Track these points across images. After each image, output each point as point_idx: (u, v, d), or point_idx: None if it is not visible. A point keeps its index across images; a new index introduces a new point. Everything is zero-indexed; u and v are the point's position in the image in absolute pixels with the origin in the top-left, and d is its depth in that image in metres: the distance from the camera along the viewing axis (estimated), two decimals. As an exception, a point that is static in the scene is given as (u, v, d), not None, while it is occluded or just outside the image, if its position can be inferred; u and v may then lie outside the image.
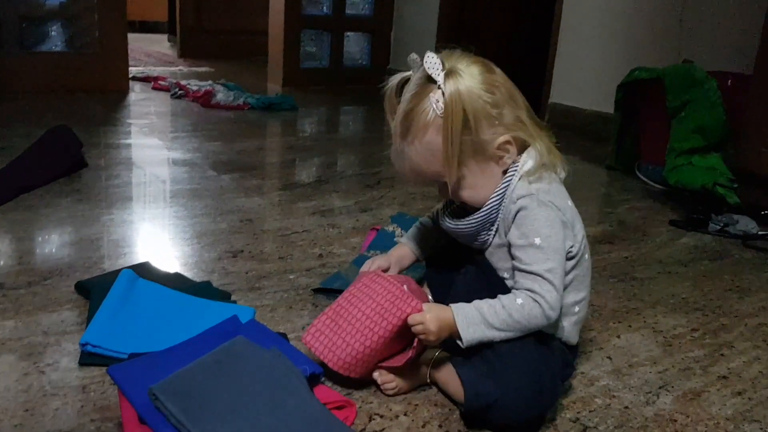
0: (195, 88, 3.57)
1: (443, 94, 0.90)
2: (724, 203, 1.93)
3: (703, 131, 2.06)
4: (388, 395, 0.98)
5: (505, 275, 0.98)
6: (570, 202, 0.97)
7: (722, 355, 1.20)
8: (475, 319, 0.91)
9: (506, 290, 0.94)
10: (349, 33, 4.46)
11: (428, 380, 1.01)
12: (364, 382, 1.00)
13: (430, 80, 0.92)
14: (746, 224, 1.88)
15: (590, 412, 0.99)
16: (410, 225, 1.41)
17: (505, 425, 0.91)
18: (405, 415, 0.95)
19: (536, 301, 0.90)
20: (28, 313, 1.16)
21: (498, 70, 0.95)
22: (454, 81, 0.90)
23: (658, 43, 2.83)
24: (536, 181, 0.94)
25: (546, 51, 3.39)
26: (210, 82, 3.71)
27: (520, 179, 0.95)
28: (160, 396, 0.81)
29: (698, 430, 0.97)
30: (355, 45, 4.53)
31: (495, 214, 0.97)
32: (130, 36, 3.69)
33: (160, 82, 3.83)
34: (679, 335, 1.26)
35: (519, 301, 0.91)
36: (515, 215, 0.93)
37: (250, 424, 0.81)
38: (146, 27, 7.62)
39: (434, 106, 0.91)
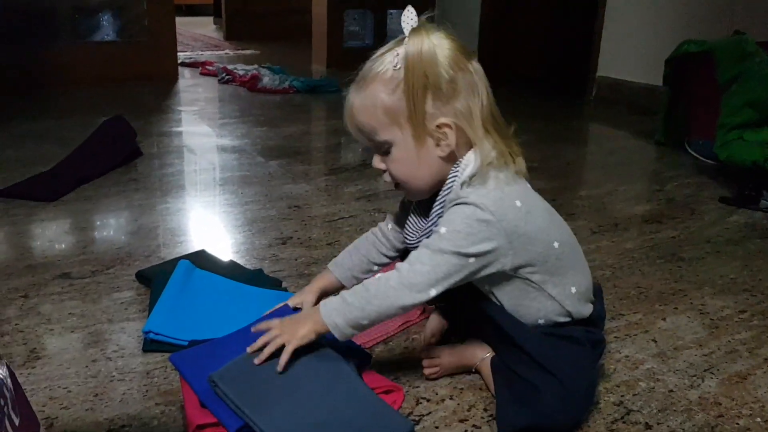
0: (241, 72, 3.63)
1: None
2: (777, 179, 1.89)
3: (755, 105, 2.01)
4: (431, 379, 1.01)
5: (493, 297, 0.95)
6: (519, 203, 0.89)
7: (770, 337, 1.20)
8: (336, 304, 0.90)
9: (531, 332, 0.93)
10: (392, 11, 4.45)
11: (473, 370, 1.03)
12: (412, 366, 1.03)
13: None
14: (799, 200, 1.84)
15: (634, 395, 1.01)
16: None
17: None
18: (451, 398, 0.98)
19: (399, 269, 0.88)
20: (94, 301, 1.23)
21: (476, 63, 0.91)
22: (419, 39, 0.88)
23: (708, 13, 2.76)
24: (479, 186, 0.89)
25: (593, 23, 3.33)
26: (256, 66, 3.77)
27: (461, 187, 0.90)
28: (219, 383, 0.87)
29: (743, 413, 0.98)
30: (398, 23, 4.51)
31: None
32: (177, 20, 3.76)
33: (207, 67, 3.91)
34: (726, 317, 1.26)
35: (379, 275, 0.91)
36: None
37: (303, 408, 0.85)
38: (192, 10, 7.73)
39: (394, 59, 0.89)
